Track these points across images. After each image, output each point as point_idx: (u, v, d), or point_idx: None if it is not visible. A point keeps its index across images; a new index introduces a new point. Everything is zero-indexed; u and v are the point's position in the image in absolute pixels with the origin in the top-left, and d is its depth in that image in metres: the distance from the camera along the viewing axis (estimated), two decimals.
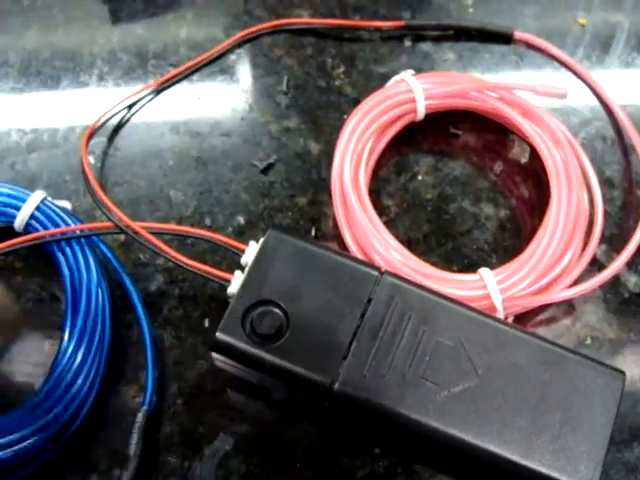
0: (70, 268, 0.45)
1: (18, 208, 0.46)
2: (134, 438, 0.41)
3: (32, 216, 0.46)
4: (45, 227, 0.46)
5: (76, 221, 0.46)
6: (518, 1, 0.60)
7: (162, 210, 0.50)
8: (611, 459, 0.42)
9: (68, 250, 0.45)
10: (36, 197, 0.46)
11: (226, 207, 0.50)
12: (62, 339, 0.43)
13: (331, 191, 0.48)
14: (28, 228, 0.46)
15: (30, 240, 0.45)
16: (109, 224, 0.45)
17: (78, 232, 0.45)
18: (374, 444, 0.43)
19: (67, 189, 0.50)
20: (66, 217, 0.46)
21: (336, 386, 0.38)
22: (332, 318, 0.40)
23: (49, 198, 0.47)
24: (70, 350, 0.42)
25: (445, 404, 0.38)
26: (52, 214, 0.46)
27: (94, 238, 0.46)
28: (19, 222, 0.46)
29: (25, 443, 0.40)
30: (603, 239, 0.48)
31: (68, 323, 0.43)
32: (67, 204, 0.48)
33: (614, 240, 0.49)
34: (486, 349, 0.39)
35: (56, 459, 0.41)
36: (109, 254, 0.46)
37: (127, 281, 0.45)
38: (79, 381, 0.42)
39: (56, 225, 0.46)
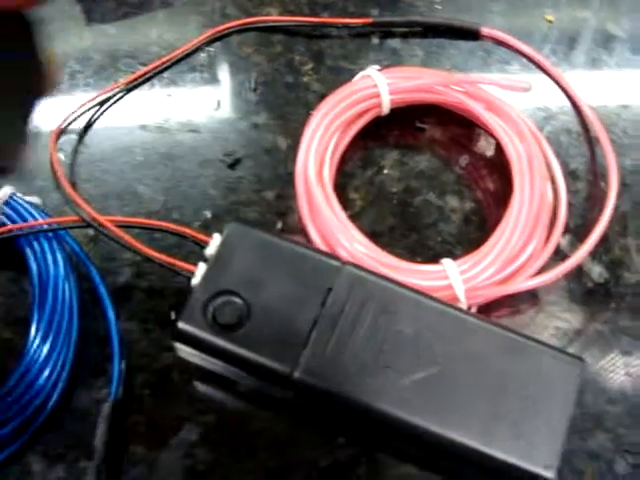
0: (38, 262, 0.45)
1: None
2: (100, 429, 0.41)
3: (0, 211, 0.46)
4: (14, 222, 0.46)
5: (45, 216, 0.47)
6: None
7: (131, 205, 0.50)
8: (574, 447, 0.43)
9: (36, 244, 0.46)
10: (4, 193, 0.47)
11: (193, 202, 0.50)
12: (29, 332, 0.43)
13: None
14: None
15: None
16: (78, 218, 0.45)
17: (46, 226, 0.46)
18: (337, 434, 0.43)
19: (36, 185, 0.51)
20: (35, 212, 0.47)
21: (296, 374, 0.38)
22: (293, 308, 0.40)
23: (18, 194, 0.48)
24: (37, 343, 0.43)
25: (406, 392, 0.38)
26: (21, 209, 0.47)
27: (62, 233, 0.47)
28: None
29: None
30: (568, 230, 0.49)
31: (35, 316, 0.44)
32: (37, 199, 0.49)
33: (579, 231, 0.49)
34: (446, 338, 0.40)
35: (22, 450, 0.42)
36: (77, 248, 0.47)
37: (95, 274, 0.46)
38: (45, 373, 0.42)
39: (25, 220, 0.46)
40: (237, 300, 0.40)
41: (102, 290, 0.45)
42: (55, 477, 0.42)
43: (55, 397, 0.43)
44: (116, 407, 0.42)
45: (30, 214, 0.47)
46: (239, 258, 0.41)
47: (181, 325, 0.40)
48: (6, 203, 0.47)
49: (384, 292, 0.41)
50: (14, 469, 0.42)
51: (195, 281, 0.41)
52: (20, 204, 0.47)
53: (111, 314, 0.45)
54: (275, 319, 0.40)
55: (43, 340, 0.43)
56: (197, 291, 0.40)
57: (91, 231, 0.48)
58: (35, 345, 0.43)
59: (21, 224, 0.46)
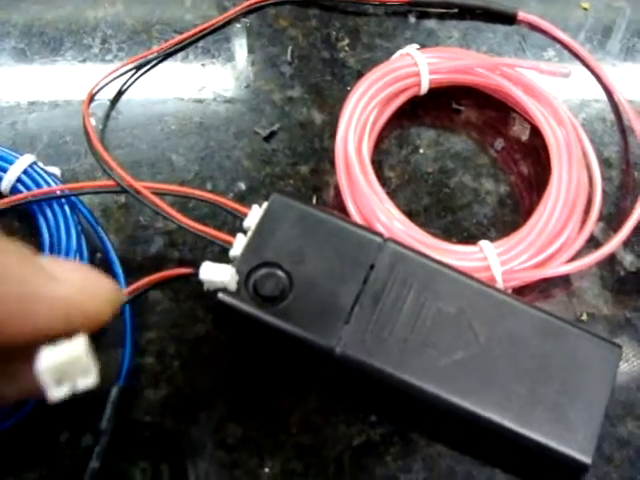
0: (50, 233, 0.44)
1: (5, 170, 0.46)
2: (107, 414, 0.41)
3: (19, 180, 0.46)
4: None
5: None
6: None
7: (164, 173, 0.49)
8: (604, 433, 0.43)
9: (50, 214, 0.45)
10: (24, 161, 0.46)
11: (227, 173, 0.50)
12: None
13: (334, 161, 0.48)
14: (14, 192, 0.46)
15: (12, 201, 0.44)
16: (111, 183, 0.44)
17: (67, 191, 0.45)
18: (371, 412, 0.43)
19: (68, 150, 0.50)
20: (53, 183, 0.46)
21: (338, 350, 0.38)
22: (335, 282, 0.40)
23: (40, 163, 0.47)
24: None
25: (446, 370, 0.38)
26: (39, 179, 0.46)
27: (77, 203, 0.46)
28: (5, 185, 0.46)
29: None
30: (601, 218, 0.49)
31: None
32: (56, 170, 0.48)
33: (611, 219, 0.50)
34: (488, 318, 0.40)
35: (42, 418, 0.41)
36: (90, 218, 0.46)
37: (111, 251, 0.45)
38: None
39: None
40: (279, 272, 0.40)
41: (117, 269, 0.45)
42: (84, 445, 0.41)
43: None
44: (124, 391, 0.42)
45: (48, 185, 0.46)
46: (281, 230, 0.41)
47: (221, 296, 0.39)
48: (25, 172, 0.46)
49: (426, 270, 0.41)
50: (41, 437, 0.41)
51: (234, 252, 0.41)
52: (40, 174, 0.46)
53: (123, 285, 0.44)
54: (317, 293, 0.39)
55: None
56: (238, 263, 0.40)
57: (122, 198, 0.48)
58: None
59: (35, 191, 0.45)
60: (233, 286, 0.39)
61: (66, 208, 0.45)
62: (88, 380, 0.28)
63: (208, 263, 0.39)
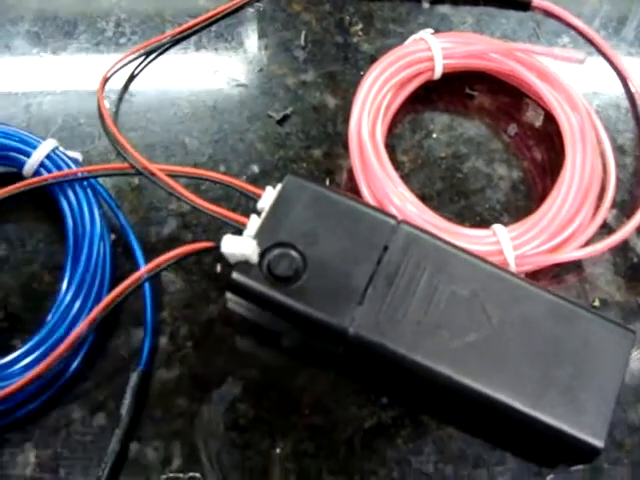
0: (74, 219, 0.44)
1: (29, 155, 0.46)
2: (127, 398, 0.41)
3: (41, 164, 0.46)
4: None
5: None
6: None
7: (177, 156, 0.49)
8: (615, 419, 0.42)
9: (73, 199, 0.45)
10: (47, 145, 0.46)
11: (241, 155, 0.50)
12: (60, 289, 0.42)
13: (348, 144, 0.48)
14: (37, 175, 0.46)
15: (33, 183, 0.44)
16: (126, 165, 0.44)
17: (86, 174, 0.45)
18: (382, 394, 0.43)
19: (81, 132, 0.50)
20: (75, 168, 0.46)
21: (351, 330, 0.38)
22: (348, 263, 0.40)
23: (61, 148, 0.47)
24: (67, 300, 0.42)
25: (458, 353, 0.38)
26: (62, 163, 0.46)
27: (98, 187, 0.46)
28: (28, 168, 0.46)
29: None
30: (614, 204, 0.49)
31: (67, 274, 0.43)
32: (78, 155, 0.48)
33: (625, 206, 0.49)
34: (501, 301, 0.40)
35: (60, 397, 0.42)
36: (110, 201, 0.46)
37: (131, 236, 0.45)
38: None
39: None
40: (293, 253, 0.40)
41: (138, 254, 0.45)
42: (97, 424, 0.41)
43: (79, 357, 0.42)
44: (144, 377, 0.42)
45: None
46: (295, 211, 0.41)
47: (236, 276, 0.39)
48: (47, 156, 0.46)
49: (439, 252, 0.41)
50: (54, 416, 0.42)
51: (248, 233, 0.41)
52: (62, 158, 0.46)
53: (147, 288, 0.44)
54: (331, 274, 0.39)
55: (74, 298, 0.42)
56: None
57: (135, 180, 0.48)
58: (65, 303, 0.41)
59: (57, 172, 0.45)
60: (255, 258, 0.39)
61: (89, 191, 0.45)
62: None
63: (229, 236, 0.39)
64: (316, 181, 0.43)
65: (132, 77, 0.53)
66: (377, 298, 0.39)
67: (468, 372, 0.38)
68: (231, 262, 0.39)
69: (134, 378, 0.41)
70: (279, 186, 0.42)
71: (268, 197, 0.42)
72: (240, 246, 0.39)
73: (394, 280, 0.39)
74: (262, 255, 0.39)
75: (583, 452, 0.38)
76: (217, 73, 0.53)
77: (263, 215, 0.41)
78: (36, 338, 0.40)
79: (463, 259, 0.41)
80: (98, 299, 0.42)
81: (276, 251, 0.40)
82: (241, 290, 0.39)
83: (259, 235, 0.40)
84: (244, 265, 0.39)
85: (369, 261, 0.40)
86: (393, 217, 0.41)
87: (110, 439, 0.40)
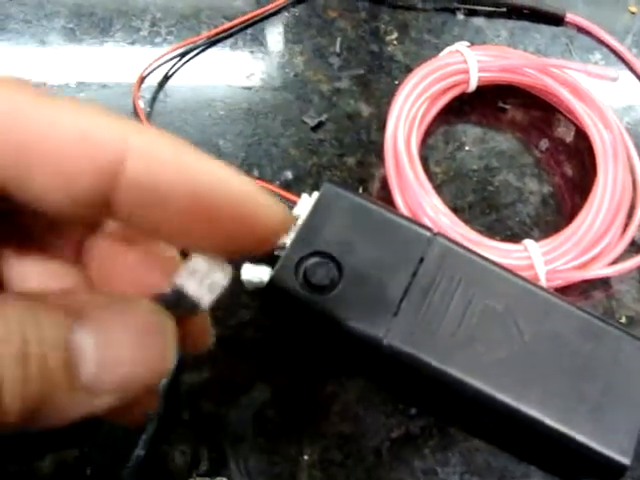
0: None
1: None
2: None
3: None
4: None
5: None
6: None
7: None
8: None
9: None
10: None
11: (274, 161, 0.50)
12: None
13: (381, 154, 0.48)
14: None
15: None
16: None
17: None
18: (411, 404, 0.43)
19: None
20: None
21: (386, 341, 0.38)
22: (384, 274, 0.40)
23: None
24: None
25: (491, 366, 0.39)
26: None
27: None
28: None
29: None
30: None
31: None
32: None
33: None
34: (533, 316, 0.40)
35: None
36: None
37: None
38: None
39: None
40: (329, 262, 0.40)
41: None
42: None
43: None
44: (173, 380, 0.42)
45: None
46: (331, 219, 0.41)
47: (273, 282, 0.39)
48: None
49: (474, 266, 0.41)
50: None
51: (283, 240, 0.41)
52: None
53: None
54: (367, 284, 0.40)
55: None
56: (289, 250, 0.40)
57: None
58: None
59: None
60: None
61: None
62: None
63: (248, 265, 0.40)
64: (352, 190, 0.43)
65: (167, 77, 0.53)
66: (412, 310, 0.39)
67: (499, 386, 0.38)
68: (248, 288, 0.40)
69: (163, 382, 0.41)
70: (316, 194, 0.42)
71: (304, 204, 0.42)
72: (258, 274, 0.40)
73: (429, 292, 0.40)
74: (298, 263, 0.40)
75: (610, 469, 0.38)
76: (252, 76, 0.53)
77: (299, 222, 0.41)
78: None
79: (497, 273, 0.41)
80: None
81: (313, 259, 0.40)
82: (277, 296, 0.40)
83: (296, 242, 0.40)
84: (281, 271, 0.39)
85: (405, 272, 0.40)
86: (429, 229, 0.42)
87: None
